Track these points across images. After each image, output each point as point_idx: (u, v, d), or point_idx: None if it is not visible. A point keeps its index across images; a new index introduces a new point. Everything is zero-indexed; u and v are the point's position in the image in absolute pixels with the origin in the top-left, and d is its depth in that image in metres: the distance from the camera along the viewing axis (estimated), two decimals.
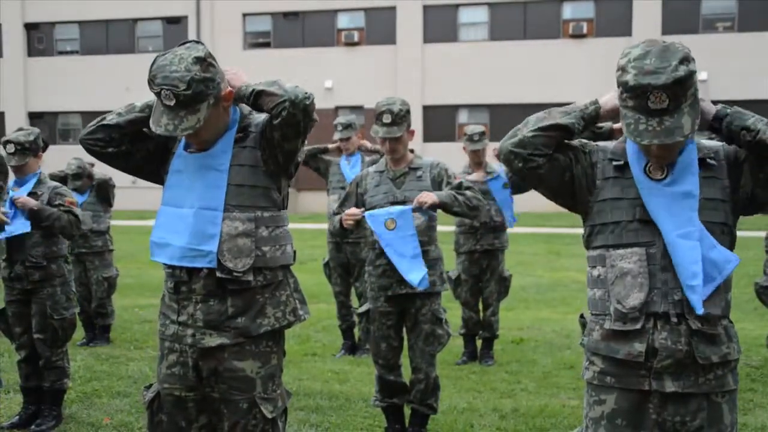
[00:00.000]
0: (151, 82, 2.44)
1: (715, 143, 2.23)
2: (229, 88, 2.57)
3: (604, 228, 2.19)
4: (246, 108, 2.70)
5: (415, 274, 3.90)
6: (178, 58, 2.43)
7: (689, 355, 2.10)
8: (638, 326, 2.12)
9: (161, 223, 2.64)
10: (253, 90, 2.53)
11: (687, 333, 2.10)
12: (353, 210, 4.00)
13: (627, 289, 2.13)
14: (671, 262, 2.10)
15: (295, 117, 2.49)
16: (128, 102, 2.79)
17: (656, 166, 2.15)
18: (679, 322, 2.10)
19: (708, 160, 2.17)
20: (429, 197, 3.94)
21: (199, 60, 2.44)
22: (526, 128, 2.21)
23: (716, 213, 2.13)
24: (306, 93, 2.50)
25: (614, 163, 2.21)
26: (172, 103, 2.42)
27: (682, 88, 2.01)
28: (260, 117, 2.67)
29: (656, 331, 2.12)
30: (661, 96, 2.00)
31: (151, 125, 2.50)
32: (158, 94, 2.45)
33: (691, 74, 2.03)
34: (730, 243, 2.18)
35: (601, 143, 2.33)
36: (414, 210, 3.95)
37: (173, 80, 2.39)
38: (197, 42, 2.53)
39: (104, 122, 2.66)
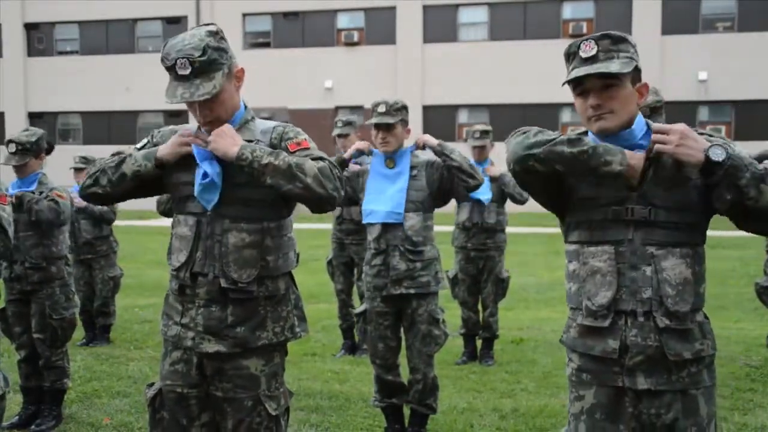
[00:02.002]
0: (165, 59, 2.47)
1: None
2: (241, 66, 2.59)
3: (580, 224, 2.22)
4: (250, 112, 2.68)
5: (389, 206, 4.06)
6: (190, 34, 2.50)
7: (659, 351, 2.12)
8: (606, 324, 2.15)
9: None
10: (268, 164, 2.42)
11: (656, 330, 2.12)
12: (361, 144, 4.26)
13: (596, 287, 2.17)
14: (641, 261, 2.13)
15: (312, 204, 2.50)
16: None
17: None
18: (647, 319, 2.12)
19: None
20: (430, 138, 4.19)
21: (211, 33, 2.50)
22: (562, 146, 2.14)
23: (686, 213, 2.13)
24: (333, 191, 2.43)
25: None
26: (187, 72, 2.43)
27: (612, 41, 2.12)
28: (265, 125, 2.65)
29: (627, 328, 2.14)
30: (590, 44, 2.12)
31: (165, 99, 2.50)
32: (171, 68, 2.46)
33: (625, 38, 2.15)
34: (702, 241, 2.18)
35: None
36: (414, 150, 4.22)
37: (188, 50, 2.43)
38: (208, 24, 2.58)
39: (96, 190, 2.66)
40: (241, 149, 2.44)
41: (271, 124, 2.66)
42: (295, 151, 2.53)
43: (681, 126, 2.07)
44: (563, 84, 2.18)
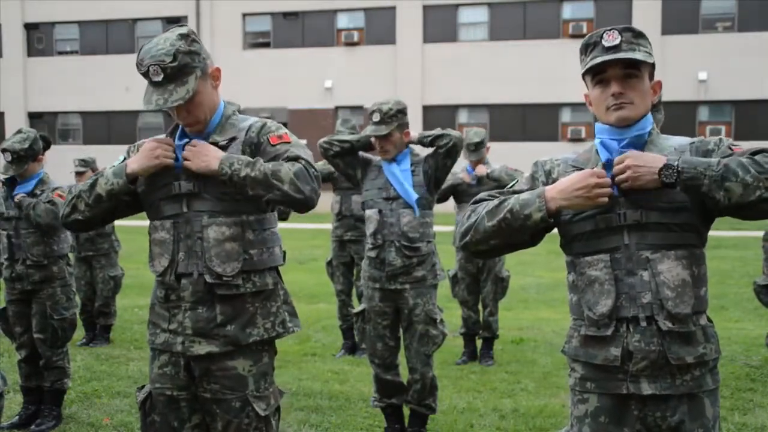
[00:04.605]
0: (139, 65, 2.50)
1: (682, 141, 2.22)
2: (216, 66, 2.59)
3: (574, 238, 2.22)
4: (230, 108, 2.67)
5: (410, 196, 4.13)
6: (162, 39, 2.51)
7: (663, 356, 2.11)
8: (609, 332, 2.15)
9: None
10: (246, 176, 2.46)
11: (659, 334, 2.12)
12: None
13: (596, 296, 2.16)
14: (637, 266, 2.13)
15: (292, 207, 2.55)
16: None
17: None
18: (650, 324, 2.12)
19: None
20: (412, 134, 4.25)
21: (183, 36, 2.50)
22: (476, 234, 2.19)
23: (678, 214, 2.12)
24: (311, 193, 2.48)
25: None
26: (160, 78, 2.46)
27: (634, 35, 2.14)
28: (246, 121, 2.65)
29: (629, 334, 2.13)
30: (614, 33, 2.13)
31: (143, 106, 2.52)
32: (146, 74, 2.49)
33: (644, 35, 2.18)
34: (699, 243, 2.17)
35: (562, 155, 2.34)
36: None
37: (160, 56, 2.45)
38: (180, 25, 2.58)
39: (76, 217, 2.65)
40: (220, 165, 2.47)
41: (250, 120, 2.67)
42: (276, 144, 2.55)
43: (627, 159, 2.08)
44: (583, 72, 2.18)
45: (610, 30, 2.14)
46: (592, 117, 22.07)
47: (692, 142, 2.19)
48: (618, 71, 2.13)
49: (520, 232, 2.15)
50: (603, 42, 2.13)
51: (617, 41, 2.12)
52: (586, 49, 2.18)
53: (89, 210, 2.64)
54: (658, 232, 2.12)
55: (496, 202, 2.19)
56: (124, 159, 2.70)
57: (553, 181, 2.23)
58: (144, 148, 2.59)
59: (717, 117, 22.38)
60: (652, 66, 2.18)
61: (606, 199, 2.09)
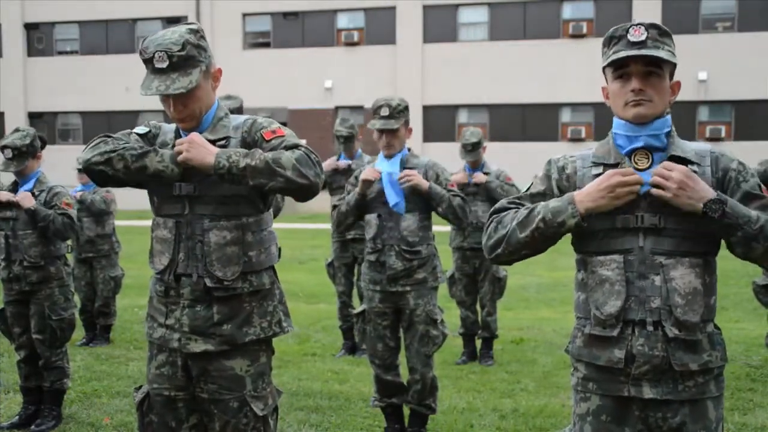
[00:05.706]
0: (144, 51, 2.48)
1: (702, 146, 2.21)
2: (218, 67, 2.59)
3: (588, 234, 2.20)
4: (223, 109, 2.67)
5: (393, 198, 4.06)
6: (171, 30, 2.51)
7: (666, 361, 2.11)
8: (614, 333, 2.14)
9: None
10: (245, 166, 2.40)
11: (664, 339, 2.11)
12: (371, 171, 4.10)
13: (605, 296, 2.15)
14: (649, 270, 2.12)
15: (297, 194, 2.50)
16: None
17: (641, 155, 2.15)
18: (656, 329, 2.11)
19: (690, 165, 2.14)
20: (417, 179, 4.02)
21: (192, 30, 2.52)
22: (508, 246, 2.19)
23: (695, 221, 2.09)
24: (315, 178, 2.44)
25: (594, 171, 2.20)
26: (164, 65, 2.44)
27: (659, 33, 2.13)
28: (237, 120, 2.65)
29: (634, 337, 2.13)
30: (641, 29, 2.13)
31: (140, 92, 2.49)
32: (149, 61, 2.46)
33: (670, 34, 2.17)
34: (714, 250, 2.16)
35: (579, 152, 2.32)
36: (399, 179, 4.07)
37: (167, 44, 2.45)
38: (189, 22, 2.59)
39: (105, 170, 2.53)
40: (216, 158, 2.42)
41: (242, 118, 2.66)
42: (270, 139, 2.53)
43: (680, 174, 2.04)
44: (605, 64, 2.15)
45: (636, 25, 2.13)
46: (592, 117, 22.17)
47: (713, 152, 2.17)
48: (640, 67, 2.12)
49: (552, 240, 2.17)
50: (629, 36, 2.12)
51: (643, 37, 2.11)
52: (609, 42, 2.17)
53: (125, 173, 2.53)
54: (675, 238, 2.11)
55: (525, 212, 2.18)
56: (148, 132, 2.67)
57: (567, 177, 2.24)
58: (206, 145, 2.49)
59: (717, 117, 22.38)
60: (674, 66, 2.16)
61: (633, 195, 2.09)
